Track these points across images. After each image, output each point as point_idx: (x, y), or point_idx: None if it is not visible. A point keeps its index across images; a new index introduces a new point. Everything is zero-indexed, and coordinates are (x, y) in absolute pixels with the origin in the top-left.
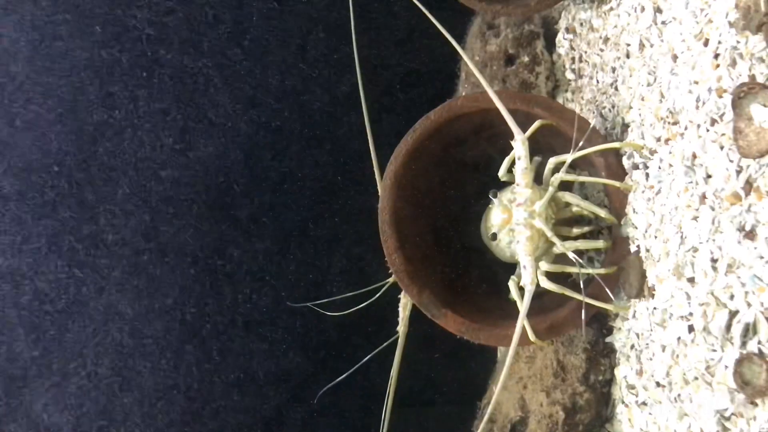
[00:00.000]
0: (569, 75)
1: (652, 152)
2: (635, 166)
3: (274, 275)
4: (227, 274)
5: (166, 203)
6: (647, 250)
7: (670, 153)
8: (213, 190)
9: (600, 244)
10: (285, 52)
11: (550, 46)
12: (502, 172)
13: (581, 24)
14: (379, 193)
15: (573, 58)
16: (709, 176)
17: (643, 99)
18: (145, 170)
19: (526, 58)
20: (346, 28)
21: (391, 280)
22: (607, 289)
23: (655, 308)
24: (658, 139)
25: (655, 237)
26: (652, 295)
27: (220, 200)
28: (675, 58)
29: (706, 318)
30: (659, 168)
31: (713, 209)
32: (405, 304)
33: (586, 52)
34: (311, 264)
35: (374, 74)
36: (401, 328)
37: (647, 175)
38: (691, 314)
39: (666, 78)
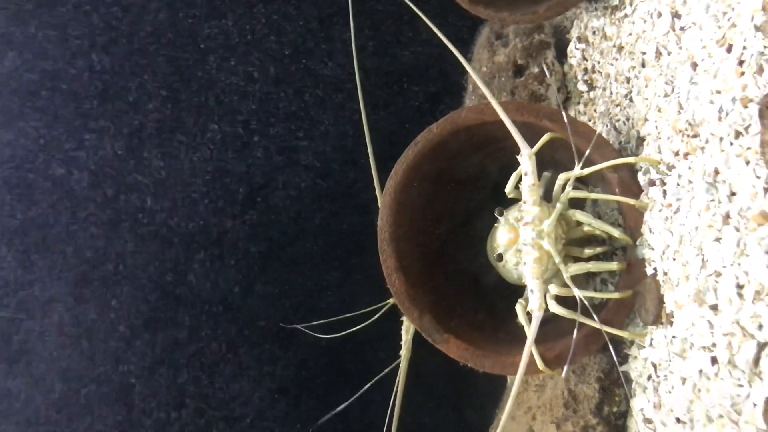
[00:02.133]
0: (581, 86)
1: (670, 167)
2: (651, 183)
3: (264, 295)
4: (209, 299)
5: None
6: (665, 274)
7: (690, 168)
8: (205, 201)
9: (614, 266)
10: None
11: (561, 56)
12: (509, 189)
13: (594, 32)
14: (379, 210)
15: (585, 69)
16: (733, 194)
17: (660, 110)
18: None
19: (536, 69)
20: (348, 44)
21: (391, 301)
22: (621, 315)
23: (674, 337)
24: (677, 154)
25: (674, 259)
26: (671, 323)
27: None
28: (695, 66)
29: (731, 350)
30: (678, 185)
31: (738, 230)
32: (407, 327)
33: (599, 62)
34: (305, 284)
35: (375, 86)
36: (404, 352)
37: (665, 192)
38: (714, 345)
39: (685, 88)
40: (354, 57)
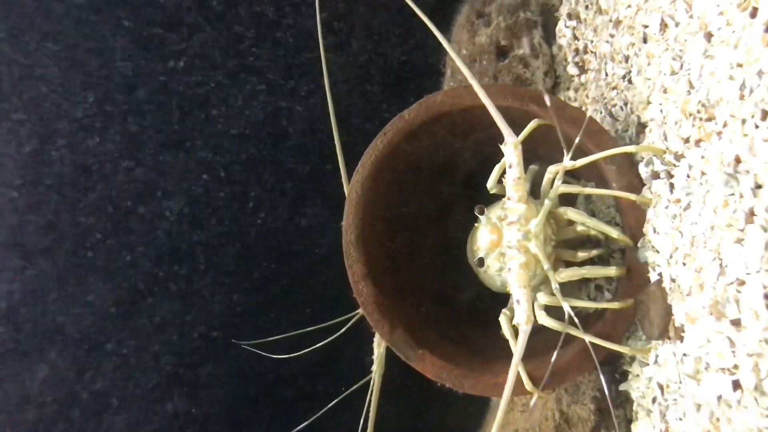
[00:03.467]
0: (572, 69)
1: (678, 157)
2: (655, 175)
3: (218, 305)
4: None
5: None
6: (673, 280)
7: (703, 157)
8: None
9: (612, 271)
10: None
11: (549, 36)
12: (491, 183)
13: (587, 6)
14: (345, 209)
15: (576, 50)
16: (758, 186)
17: (665, 91)
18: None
19: (521, 51)
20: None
21: (359, 312)
22: (620, 328)
23: (685, 355)
24: (687, 141)
25: (684, 264)
26: (681, 338)
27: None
28: (709, 36)
29: (758, 373)
30: (688, 177)
31: (765, 230)
32: (380, 340)
33: (592, 41)
34: (264, 292)
35: (344, 71)
36: (376, 367)
37: (671, 185)
38: (736, 367)
39: (697, 63)
40: (320, 39)
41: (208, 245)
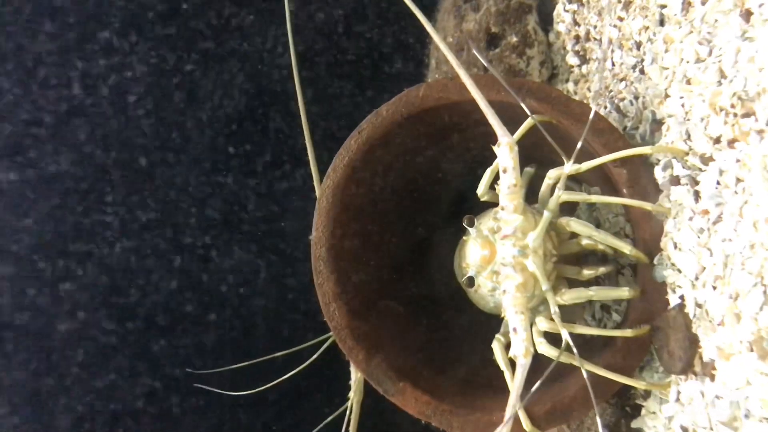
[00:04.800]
0: (571, 59)
1: (706, 160)
2: (675, 181)
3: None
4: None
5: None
6: (699, 306)
7: (739, 161)
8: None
9: (624, 293)
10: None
11: (546, 22)
12: (481, 190)
13: None
14: (314, 219)
15: (577, 36)
16: None
17: (689, 82)
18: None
19: (514, 38)
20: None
21: (331, 337)
22: (633, 358)
23: (717, 397)
24: (717, 141)
25: (714, 288)
26: (711, 376)
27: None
28: (748, 15)
29: None
30: (718, 184)
31: None
32: None
33: (595, 27)
34: (228, 312)
35: (315, 61)
36: (353, 394)
37: (697, 194)
38: None
39: (731, 47)
40: (288, 24)
41: None
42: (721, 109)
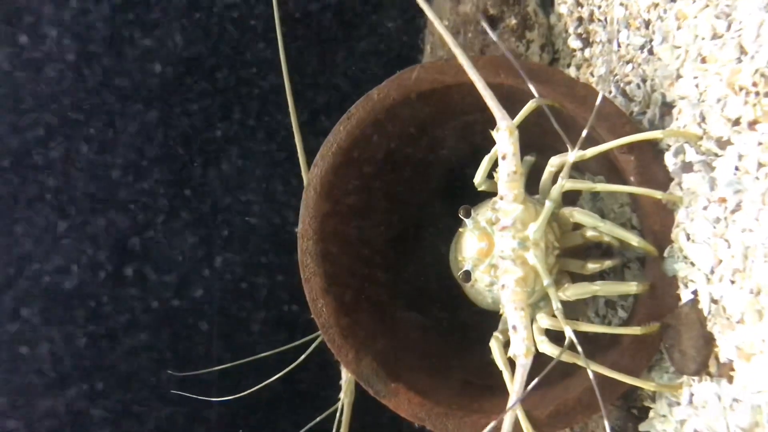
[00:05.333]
0: (573, 43)
1: (723, 144)
2: (687, 167)
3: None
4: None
5: None
6: (715, 302)
7: (761, 144)
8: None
9: (632, 287)
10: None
11: (547, 3)
12: (479, 179)
13: None
14: (300, 210)
15: (580, 18)
16: None
17: (704, 60)
18: None
19: (513, 21)
20: None
21: (319, 336)
22: (641, 358)
23: (736, 400)
24: (736, 122)
25: (733, 282)
26: (729, 377)
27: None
28: None
29: None
30: (737, 170)
31: None
32: None
33: (599, 7)
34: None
35: (303, 44)
36: (344, 395)
37: (712, 180)
38: None
39: (753, 20)
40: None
41: None
42: (741, 89)
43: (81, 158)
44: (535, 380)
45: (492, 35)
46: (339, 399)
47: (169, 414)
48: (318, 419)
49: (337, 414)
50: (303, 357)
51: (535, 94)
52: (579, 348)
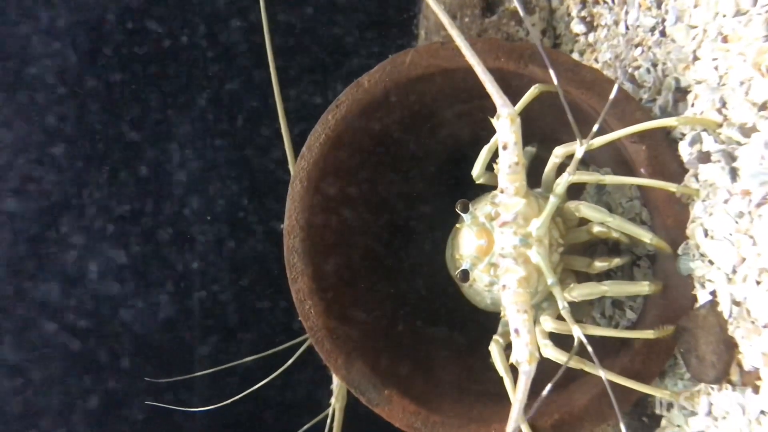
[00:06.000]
0: (576, 27)
1: (747, 131)
2: (704, 157)
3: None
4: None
5: None
6: (737, 304)
7: None
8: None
9: (644, 288)
10: None
11: None
12: (477, 171)
13: None
14: (286, 205)
15: (584, 0)
16: None
17: (725, 40)
18: None
19: (512, 4)
20: None
21: (307, 341)
22: (654, 363)
23: (764, 413)
24: (763, 107)
25: (758, 283)
26: (755, 387)
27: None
28: None
29: None
30: (763, 159)
31: None
32: None
33: None
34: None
35: (290, 29)
36: (335, 400)
37: (734, 171)
38: None
39: None
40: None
41: None
42: None
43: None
44: (546, 389)
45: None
46: (330, 404)
47: (149, 424)
48: (307, 426)
49: (328, 420)
50: (289, 363)
51: (554, 80)
52: (591, 351)
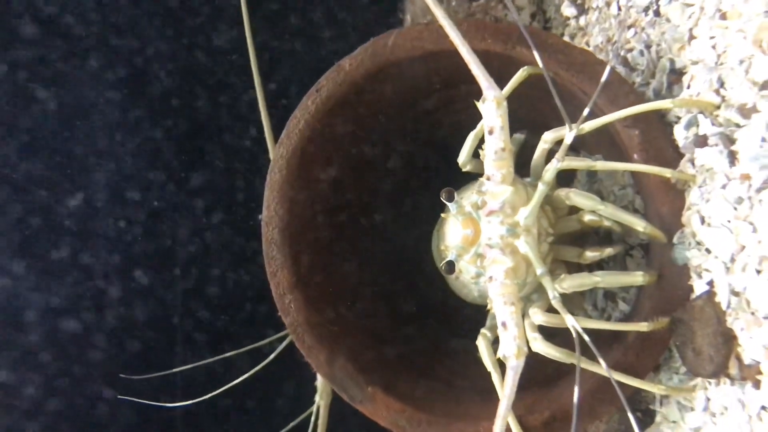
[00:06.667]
0: (567, 10)
1: (747, 112)
2: (701, 141)
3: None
4: None
5: None
6: (736, 294)
7: None
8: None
9: (638, 278)
10: None
11: None
12: (463, 158)
13: None
14: (264, 195)
15: None
16: None
17: (724, 16)
18: None
19: None
20: None
21: (288, 337)
22: (648, 357)
23: (765, 408)
24: (765, 86)
25: (759, 272)
26: (755, 381)
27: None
28: None
29: None
30: (764, 141)
31: None
32: None
33: None
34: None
35: (270, 16)
36: (320, 397)
37: (732, 155)
38: None
39: None
40: None
41: None
42: None
43: None
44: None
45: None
46: (315, 401)
47: (128, 421)
48: (291, 425)
49: (312, 418)
50: (269, 359)
51: (539, 61)
52: (589, 341)
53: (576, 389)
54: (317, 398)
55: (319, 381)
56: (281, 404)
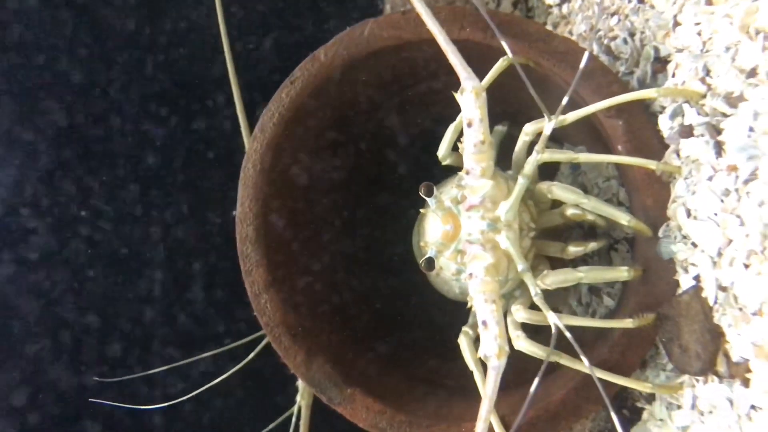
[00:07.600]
0: None
1: (734, 100)
2: (686, 132)
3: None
4: None
5: None
6: (723, 289)
7: None
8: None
9: (622, 273)
10: None
11: None
12: (443, 152)
13: None
14: (239, 191)
15: None
16: None
17: (710, 2)
18: None
19: None
20: None
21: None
22: (634, 354)
23: (755, 407)
24: (752, 73)
25: (747, 266)
26: (744, 379)
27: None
28: None
29: None
30: (752, 131)
31: None
32: None
33: None
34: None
35: (248, 7)
36: (301, 397)
37: (719, 145)
38: None
39: None
40: None
41: None
42: (758, 32)
43: None
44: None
45: None
46: (296, 402)
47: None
48: (272, 425)
49: (293, 418)
50: (245, 362)
51: (508, 52)
52: (572, 339)
53: (536, 381)
54: (298, 398)
55: (301, 381)
56: (262, 404)
